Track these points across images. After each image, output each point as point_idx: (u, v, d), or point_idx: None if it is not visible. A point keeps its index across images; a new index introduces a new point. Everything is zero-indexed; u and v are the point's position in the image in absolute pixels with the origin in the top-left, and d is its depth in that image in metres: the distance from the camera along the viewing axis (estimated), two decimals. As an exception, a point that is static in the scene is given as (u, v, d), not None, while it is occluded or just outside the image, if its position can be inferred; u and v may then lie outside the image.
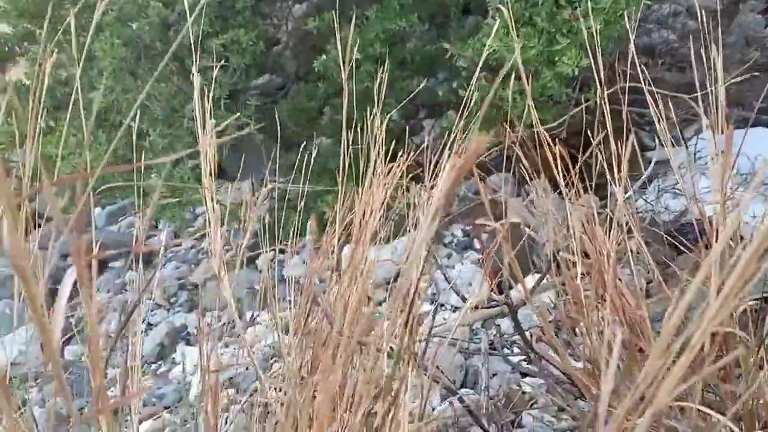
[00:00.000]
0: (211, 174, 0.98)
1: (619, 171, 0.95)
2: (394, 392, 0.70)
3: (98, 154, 1.96)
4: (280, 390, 0.97)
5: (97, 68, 1.88)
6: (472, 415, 1.10)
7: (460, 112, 1.10)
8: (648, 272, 1.14)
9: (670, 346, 0.37)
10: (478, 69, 0.96)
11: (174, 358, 1.96)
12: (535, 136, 1.05)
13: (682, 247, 1.26)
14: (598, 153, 1.03)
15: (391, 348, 0.78)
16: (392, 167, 1.00)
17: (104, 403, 0.44)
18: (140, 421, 1.64)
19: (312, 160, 1.31)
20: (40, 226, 0.85)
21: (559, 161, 1.00)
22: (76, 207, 0.43)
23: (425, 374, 1.04)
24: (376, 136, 1.00)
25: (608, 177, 0.98)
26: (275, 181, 1.96)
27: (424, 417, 0.75)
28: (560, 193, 1.05)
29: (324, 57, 1.92)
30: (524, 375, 1.36)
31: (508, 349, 1.45)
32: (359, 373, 0.71)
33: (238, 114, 1.66)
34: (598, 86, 1.03)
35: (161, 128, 1.76)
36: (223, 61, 1.86)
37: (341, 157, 1.01)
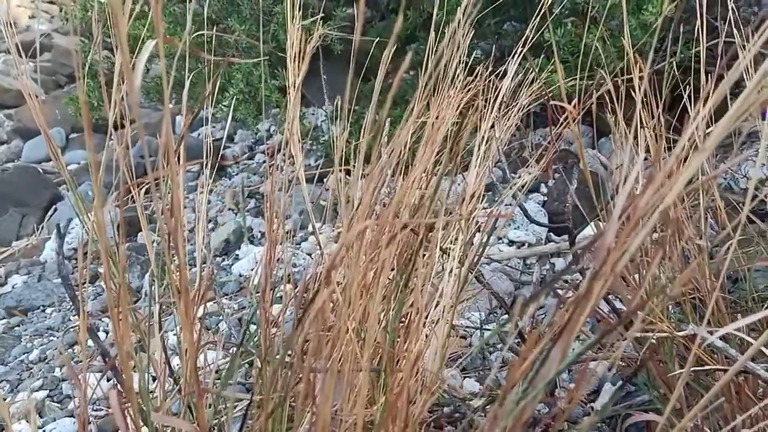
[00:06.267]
0: (295, 84, 1.01)
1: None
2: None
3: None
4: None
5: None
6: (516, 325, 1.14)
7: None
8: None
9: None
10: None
11: (237, 255, 2.07)
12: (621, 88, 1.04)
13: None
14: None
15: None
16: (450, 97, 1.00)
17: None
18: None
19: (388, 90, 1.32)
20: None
21: (638, 115, 0.99)
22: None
23: (478, 282, 1.09)
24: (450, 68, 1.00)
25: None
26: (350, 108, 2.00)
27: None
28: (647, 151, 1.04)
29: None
30: (571, 311, 1.39)
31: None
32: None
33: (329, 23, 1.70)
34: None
35: (249, 26, 1.80)
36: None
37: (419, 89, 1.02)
